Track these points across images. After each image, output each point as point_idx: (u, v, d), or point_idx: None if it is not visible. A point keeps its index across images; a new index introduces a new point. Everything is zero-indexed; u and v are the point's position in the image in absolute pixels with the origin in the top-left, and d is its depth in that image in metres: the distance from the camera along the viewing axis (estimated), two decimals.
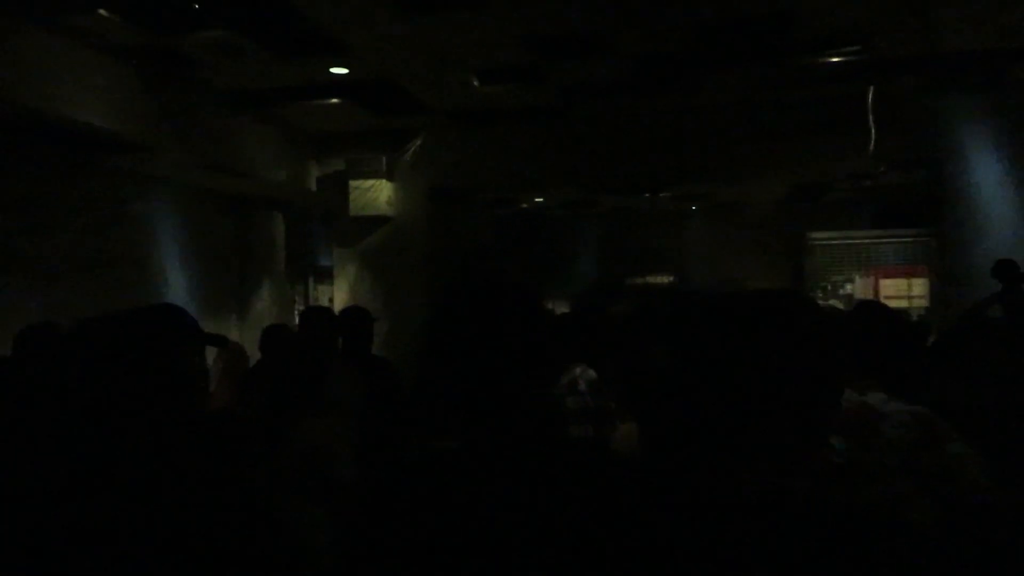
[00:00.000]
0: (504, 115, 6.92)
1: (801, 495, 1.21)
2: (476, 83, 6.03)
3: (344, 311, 4.56)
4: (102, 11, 4.57)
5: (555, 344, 1.36)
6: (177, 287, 7.01)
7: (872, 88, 6.08)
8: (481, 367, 1.26)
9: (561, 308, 7.28)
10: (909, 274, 6.64)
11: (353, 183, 7.32)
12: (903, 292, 6.55)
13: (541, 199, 10.00)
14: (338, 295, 7.70)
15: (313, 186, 7.60)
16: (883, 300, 6.44)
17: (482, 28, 4.97)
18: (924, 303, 6.50)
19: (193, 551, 1.53)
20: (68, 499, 1.53)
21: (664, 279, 10.78)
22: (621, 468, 1.38)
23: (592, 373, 3.51)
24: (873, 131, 6.14)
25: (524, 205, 10.36)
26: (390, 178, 7.37)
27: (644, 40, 5.19)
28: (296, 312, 8.50)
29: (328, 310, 4.39)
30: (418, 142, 7.39)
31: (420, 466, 1.38)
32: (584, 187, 8.72)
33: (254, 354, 5.75)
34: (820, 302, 6.81)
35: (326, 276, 8.58)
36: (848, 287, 7.01)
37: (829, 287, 7.24)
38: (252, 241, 8.14)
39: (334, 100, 6.44)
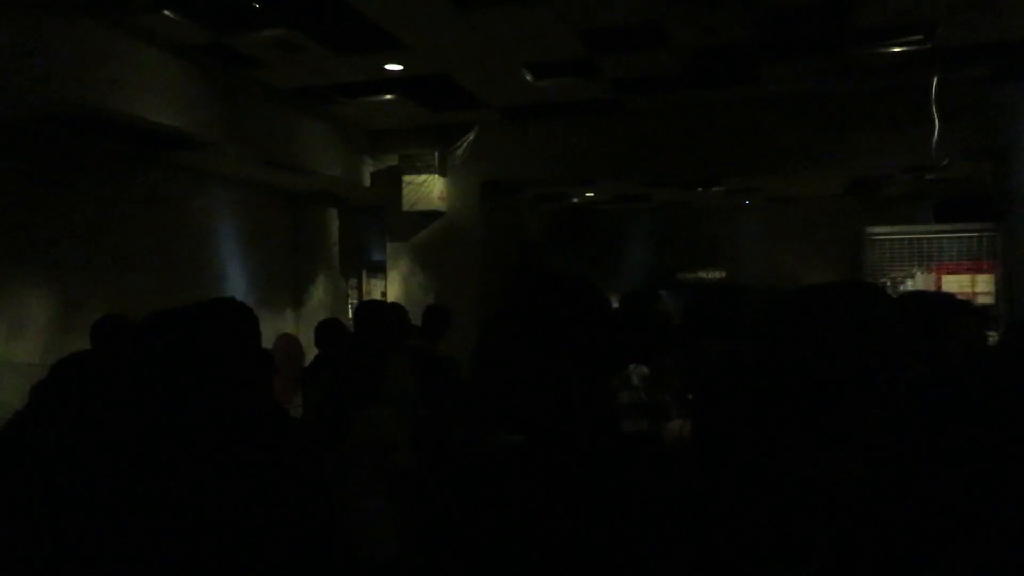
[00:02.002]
0: (557, 109, 6.90)
1: (861, 477, 1.21)
2: (529, 78, 6.04)
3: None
4: (167, 11, 4.71)
5: (618, 339, 1.36)
6: (235, 281, 7.20)
7: (935, 79, 5.92)
8: (549, 360, 1.27)
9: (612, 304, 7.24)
10: (973, 270, 6.44)
11: (406, 178, 7.39)
12: (967, 289, 6.36)
13: (592, 193, 9.96)
14: (391, 289, 7.80)
15: (367, 182, 7.71)
16: None
17: (536, 22, 4.97)
18: (990, 300, 6.31)
19: (265, 539, 1.58)
20: (146, 489, 1.59)
21: (717, 274, 10.65)
22: (679, 459, 1.38)
23: (645, 369, 3.53)
24: (936, 123, 5.97)
25: (575, 200, 10.33)
26: (442, 173, 7.42)
27: (703, 31, 5.13)
28: (350, 306, 8.64)
29: (385, 303, 4.48)
30: (470, 137, 7.42)
31: (487, 460, 1.39)
32: (637, 181, 8.66)
33: (308, 347, 5.87)
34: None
35: (379, 270, 8.70)
36: (908, 283, 6.82)
37: (888, 283, 7.05)
38: (307, 236, 8.30)
39: (388, 96, 6.51)
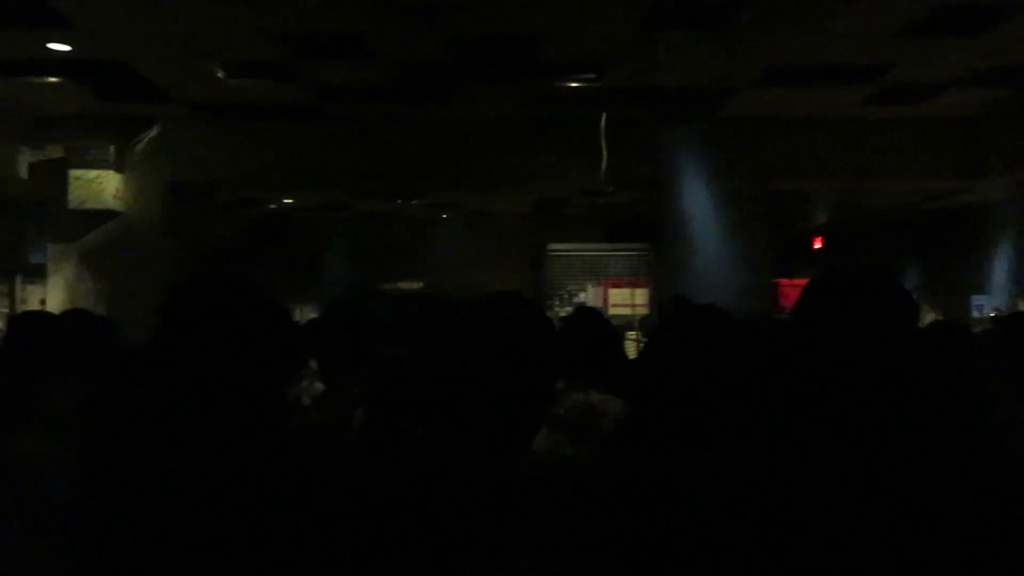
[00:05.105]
0: (254, 110, 6.65)
1: (520, 478, 1.32)
2: (221, 75, 5.73)
3: (67, 314, 4.10)
4: None
5: (294, 350, 1.34)
6: None
7: (605, 114, 6.65)
8: (211, 374, 1.21)
9: (311, 314, 7.11)
10: (633, 285, 7.36)
11: (74, 173, 6.70)
12: (628, 300, 7.25)
13: (291, 200, 9.71)
14: (52, 296, 6.94)
15: (24, 173, 6.78)
16: (611, 307, 7.10)
17: (227, 18, 4.74)
18: (645, 311, 7.23)
19: None
20: None
21: (416, 285, 10.92)
22: (360, 471, 1.39)
23: (319, 386, 3.41)
24: (604, 153, 6.71)
25: (272, 206, 10.00)
26: (119, 169, 6.83)
27: (401, 46, 5.26)
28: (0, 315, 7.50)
29: (48, 315, 3.94)
30: (153, 132, 6.88)
31: (151, 486, 1.30)
32: (336, 190, 8.61)
33: None
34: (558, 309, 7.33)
35: (37, 275, 7.67)
36: (582, 295, 7.59)
37: (565, 295, 7.79)
38: None
39: (54, 79, 5.79)
